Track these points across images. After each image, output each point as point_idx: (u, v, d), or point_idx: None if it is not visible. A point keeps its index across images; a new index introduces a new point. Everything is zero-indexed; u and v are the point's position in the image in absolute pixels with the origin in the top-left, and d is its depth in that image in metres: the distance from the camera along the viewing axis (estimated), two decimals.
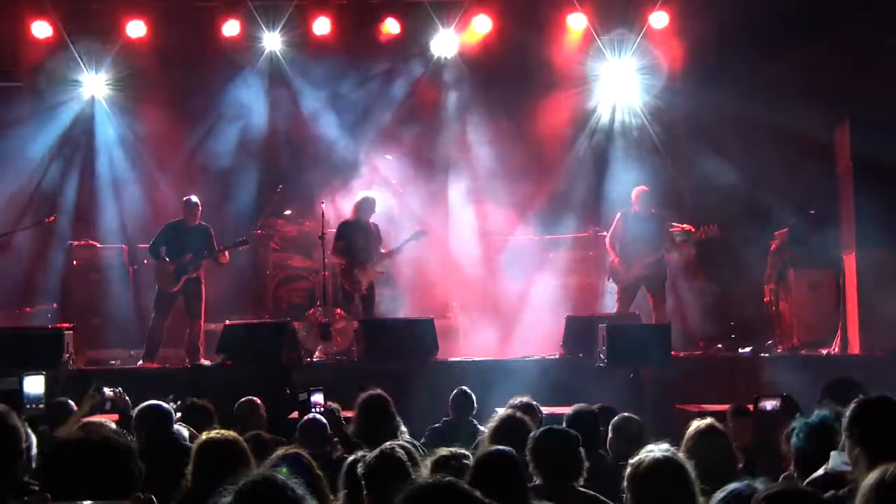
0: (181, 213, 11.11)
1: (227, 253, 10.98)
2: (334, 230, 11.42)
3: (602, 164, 13.16)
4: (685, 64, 12.87)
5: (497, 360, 10.31)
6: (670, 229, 11.16)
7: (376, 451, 4.19)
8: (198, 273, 10.83)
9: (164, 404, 5.90)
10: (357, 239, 11.15)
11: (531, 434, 4.58)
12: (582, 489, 4.42)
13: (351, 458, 4.57)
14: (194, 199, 11.02)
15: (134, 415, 5.88)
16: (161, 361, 10.83)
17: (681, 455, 3.88)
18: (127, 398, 6.54)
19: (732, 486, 2.98)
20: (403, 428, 6.32)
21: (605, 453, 5.59)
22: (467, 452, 4.24)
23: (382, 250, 11.31)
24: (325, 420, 5.74)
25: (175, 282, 10.74)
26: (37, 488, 3.47)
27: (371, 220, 11.33)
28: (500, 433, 5.15)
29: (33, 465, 3.64)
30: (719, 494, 3.00)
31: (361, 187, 12.31)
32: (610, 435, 5.65)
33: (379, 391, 6.38)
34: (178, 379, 9.36)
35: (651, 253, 11.01)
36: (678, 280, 12.02)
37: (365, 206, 11.28)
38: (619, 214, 11.25)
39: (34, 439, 3.69)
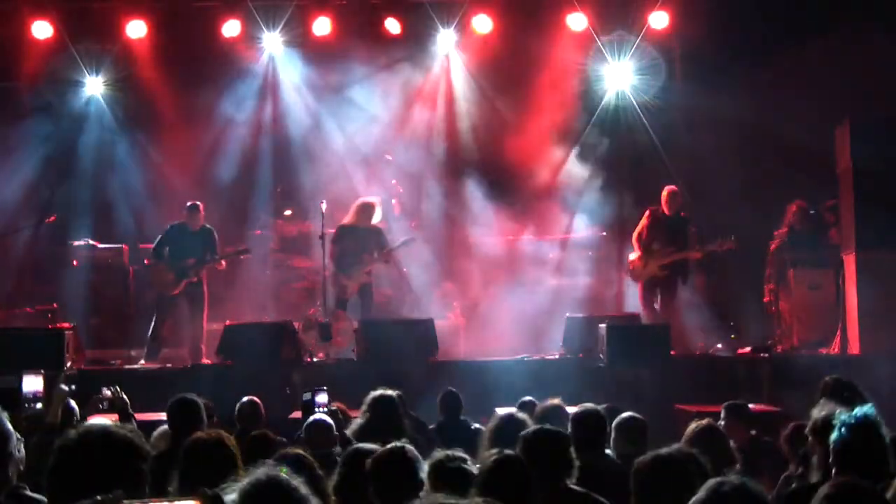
0: (182, 213, 11.12)
1: (223, 262, 11.01)
2: (334, 230, 11.41)
3: (602, 163, 13.16)
4: (685, 64, 12.87)
5: (497, 360, 10.30)
6: (692, 229, 11.21)
7: (387, 447, 4.20)
8: (199, 277, 10.83)
9: None
10: (348, 244, 11.11)
11: (521, 434, 4.58)
12: (574, 487, 4.42)
13: (353, 447, 4.58)
14: (198, 203, 11.04)
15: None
16: (163, 362, 10.83)
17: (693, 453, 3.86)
18: (125, 397, 6.53)
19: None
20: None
21: (610, 453, 5.57)
22: (465, 455, 4.23)
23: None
24: (331, 421, 5.73)
25: (176, 285, 10.77)
26: (27, 492, 3.44)
27: (372, 224, 11.27)
28: (500, 433, 5.14)
29: (21, 467, 3.59)
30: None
31: (362, 187, 12.26)
32: (613, 435, 5.64)
33: (388, 391, 6.36)
34: (177, 379, 9.33)
35: (671, 255, 11.05)
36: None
37: (361, 211, 11.24)
38: (647, 212, 11.32)
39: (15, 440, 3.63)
